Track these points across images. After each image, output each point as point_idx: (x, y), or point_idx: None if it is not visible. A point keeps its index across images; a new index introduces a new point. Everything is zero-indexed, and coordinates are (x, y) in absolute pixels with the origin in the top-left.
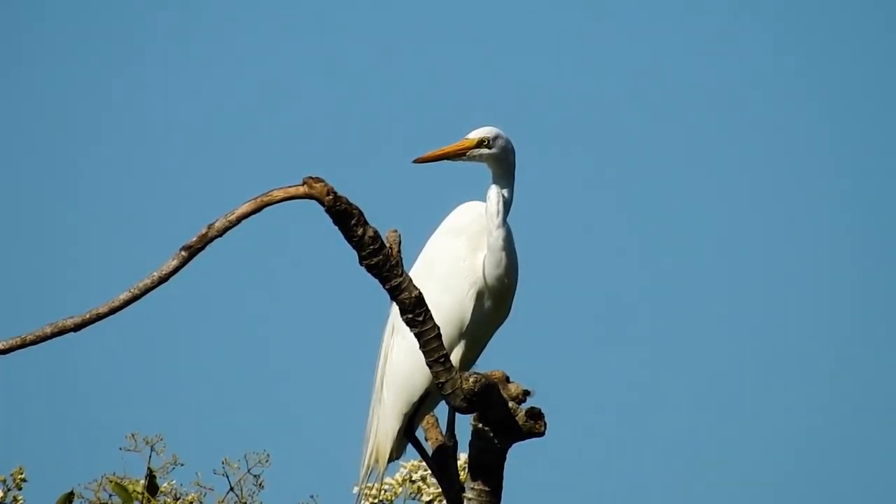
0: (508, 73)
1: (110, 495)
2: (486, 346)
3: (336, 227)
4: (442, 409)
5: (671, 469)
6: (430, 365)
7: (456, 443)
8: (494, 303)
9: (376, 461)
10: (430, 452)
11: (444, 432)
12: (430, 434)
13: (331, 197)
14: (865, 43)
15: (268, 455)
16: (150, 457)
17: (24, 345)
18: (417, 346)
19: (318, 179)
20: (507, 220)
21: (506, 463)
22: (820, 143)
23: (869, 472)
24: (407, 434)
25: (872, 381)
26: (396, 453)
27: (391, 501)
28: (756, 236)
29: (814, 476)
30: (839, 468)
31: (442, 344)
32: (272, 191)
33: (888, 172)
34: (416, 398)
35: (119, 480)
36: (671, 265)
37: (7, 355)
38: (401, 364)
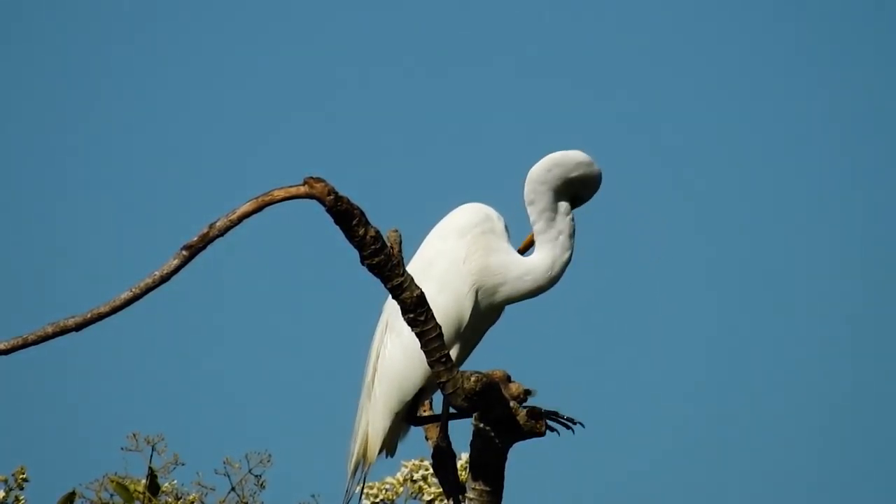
0: (510, 71)
1: (112, 495)
2: (477, 344)
3: (337, 227)
4: (438, 410)
5: (674, 468)
6: (431, 364)
7: (449, 443)
8: (502, 305)
9: (363, 457)
10: (430, 452)
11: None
12: (430, 433)
13: (332, 197)
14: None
15: (269, 455)
16: (151, 456)
17: (25, 345)
18: (412, 344)
19: (319, 179)
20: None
21: (507, 463)
22: (826, 143)
23: (871, 471)
24: (408, 420)
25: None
26: (388, 451)
27: (392, 501)
28: (758, 234)
29: (816, 477)
30: (840, 468)
31: (444, 343)
32: (273, 191)
33: None
34: (409, 397)
35: (120, 480)
36: (673, 262)
37: (9, 355)
38: (394, 362)
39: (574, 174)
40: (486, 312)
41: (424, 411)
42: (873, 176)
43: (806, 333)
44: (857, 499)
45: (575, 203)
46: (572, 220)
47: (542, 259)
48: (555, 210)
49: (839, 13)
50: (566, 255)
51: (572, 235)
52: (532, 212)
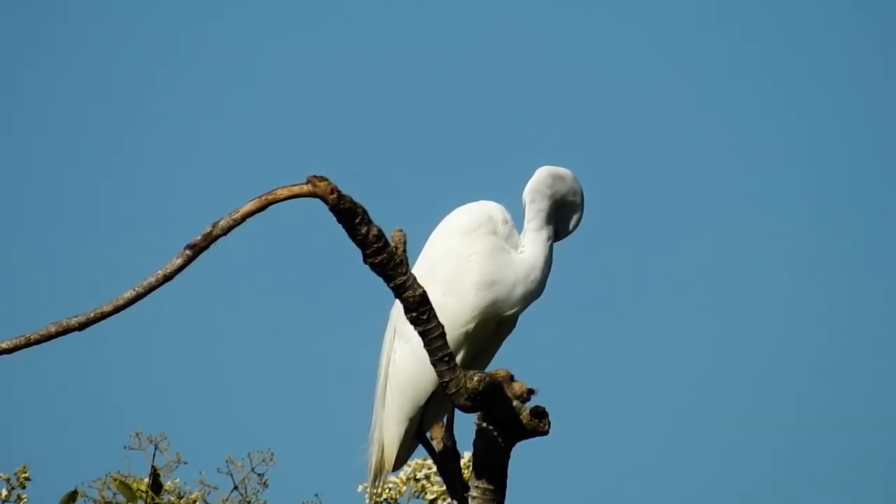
0: (514, 71)
1: (114, 494)
2: (494, 352)
3: (340, 226)
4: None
5: (674, 467)
6: (434, 364)
7: (454, 442)
8: (511, 308)
9: (382, 465)
10: (435, 451)
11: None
12: (434, 433)
13: (335, 195)
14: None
15: (272, 454)
16: (153, 455)
17: (28, 344)
18: (421, 348)
19: (322, 178)
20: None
21: (510, 461)
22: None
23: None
24: (417, 436)
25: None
26: (404, 457)
27: (395, 500)
28: (758, 235)
29: (815, 476)
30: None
31: (446, 343)
32: (276, 189)
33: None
34: (422, 401)
35: (123, 479)
36: (674, 261)
37: (12, 354)
38: (405, 367)
39: (569, 198)
40: (495, 316)
41: (433, 437)
42: (875, 178)
43: (806, 333)
44: (855, 497)
45: (555, 235)
46: (551, 244)
47: (540, 253)
48: (549, 220)
49: (842, 15)
50: (547, 263)
51: (549, 257)
52: (531, 209)
